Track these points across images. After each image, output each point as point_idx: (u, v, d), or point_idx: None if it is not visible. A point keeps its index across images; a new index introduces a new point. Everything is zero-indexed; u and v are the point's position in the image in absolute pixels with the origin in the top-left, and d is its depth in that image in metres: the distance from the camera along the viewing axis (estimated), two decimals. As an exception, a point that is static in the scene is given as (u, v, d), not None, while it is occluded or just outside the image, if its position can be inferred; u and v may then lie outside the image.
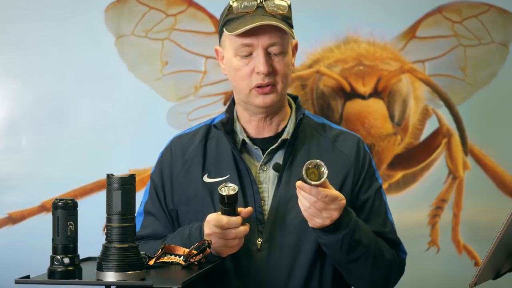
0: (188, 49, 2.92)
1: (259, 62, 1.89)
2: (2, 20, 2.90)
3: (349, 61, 2.93)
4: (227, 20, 1.93)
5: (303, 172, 1.73)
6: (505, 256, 1.79)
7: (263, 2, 1.90)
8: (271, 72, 1.90)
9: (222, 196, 1.78)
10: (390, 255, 1.96)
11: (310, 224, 1.82)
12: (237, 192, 1.79)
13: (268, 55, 1.91)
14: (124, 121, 2.90)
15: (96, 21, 2.90)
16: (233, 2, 1.93)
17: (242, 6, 1.90)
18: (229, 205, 1.79)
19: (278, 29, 1.89)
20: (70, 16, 2.90)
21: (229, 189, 1.79)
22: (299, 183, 1.77)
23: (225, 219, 1.79)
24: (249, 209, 1.84)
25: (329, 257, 1.91)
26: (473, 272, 1.73)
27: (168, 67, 2.92)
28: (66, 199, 1.57)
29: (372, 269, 1.91)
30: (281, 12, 1.91)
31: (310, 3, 2.90)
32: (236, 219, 1.79)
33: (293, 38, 1.93)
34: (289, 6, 1.94)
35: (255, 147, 1.98)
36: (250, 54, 1.91)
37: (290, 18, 1.95)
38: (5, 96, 2.91)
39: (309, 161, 1.73)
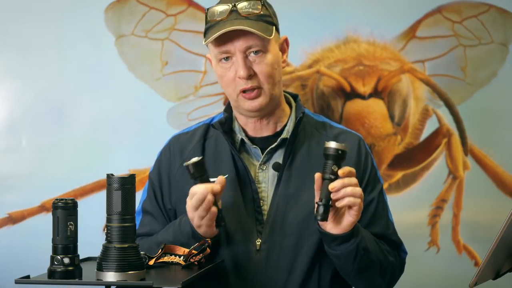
0: (188, 49, 2.92)
1: (238, 66, 1.88)
2: (2, 20, 2.90)
3: (349, 61, 2.93)
4: (206, 29, 1.93)
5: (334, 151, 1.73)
6: (505, 256, 1.79)
7: (236, 6, 1.88)
8: (252, 74, 1.89)
9: (186, 169, 1.79)
10: (393, 257, 1.96)
11: (353, 219, 1.77)
12: (200, 161, 1.79)
13: (247, 58, 1.89)
14: (124, 121, 2.90)
15: (96, 21, 2.90)
16: (207, 10, 1.91)
17: (217, 13, 1.89)
18: (196, 176, 1.79)
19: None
20: (70, 16, 2.90)
21: (193, 160, 1.80)
22: (346, 169, 1.74)
23: (191, 188, 1.79)
24: (221, 177, 1.83)
25: (331, 260, 1.90)
26: (473, 272, 1.73)
27: (168, 67, 2.92)
28: (66, 199, 1.57)
29: (380, 275, 1.91)
30: (256, 12, 1.88)
31: (310, 3, 2.89)
32: (198, 185, 1.78)
33: (268, 37, 1.88)
34: (263, 4, 1.90)
35: (254, 146, 1.98)
36: (231, 58, 1.90)
37: (269, 16, 1.91)
38: (5, 96, 2.91)
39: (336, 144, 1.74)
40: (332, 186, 1.73)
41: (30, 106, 2.90)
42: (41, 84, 2.90)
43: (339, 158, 1.74)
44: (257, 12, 1.88)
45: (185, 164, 1.80)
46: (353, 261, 1.84)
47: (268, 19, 1.91)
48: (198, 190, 1.78)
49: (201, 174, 1.80)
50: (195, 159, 1.79)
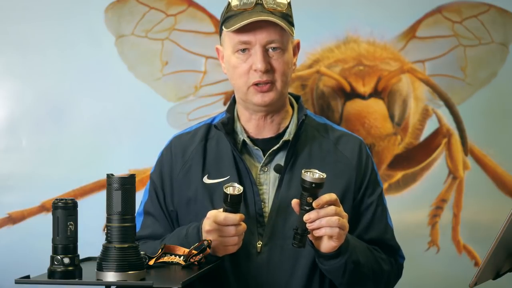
0: (188, 49, 2.92)
1: (256, 59, 1.89)
2: (2, 20, 2.90)
3: (349, 61, 2.93)
4: (226, 17, 1.92)
5: (313, 176, 1.72)
6: (505, 256, 1.79)
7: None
8: (269, 69, 1.89)
9: (226, 195, 1.78)
10: (388, 266, 1.96)
11: (335, 244, 1.78)
12: (241, 194, 1.78)
13: (266, 52, 1.90)
14: (124, 121, 2.90)
15: (96, 21, 2.90)
16: None
17: (241, 3, 1.90)
18: (231, 205, 1.78)
19: (276, 26, 1.88)
20: (70, 16, 2.90)
21: (235, 189, 1.78)
22: (322, 199, 1.74)
23: (223, 215, 1.77)
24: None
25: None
26: (473, 272, 1.73)
27: (168, 67, 2.92)
28: (66, 199, 1.57)
29: (374, 285, 1.92)
30: (280, 9, 1.90)
31: (310, 3, 2.90)
32: (234, 216, 1.78)
33: (292, 35, 1.93)
34: (289, 4, 1.94)
35: (256, 147, 1.97)
36: (248, 50, 1.91)
37: (291, 16, 1.94)
38: (5, 96, 2.91)
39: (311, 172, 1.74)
40: (307, 217, 1.74)
41: (30, 106, 2.90)
42: (41, 84, 2.90)
43: (314, 189, 1.74)
44: (281, 9, 1.90)
45: (225, 190, 1.78)
46: (342, 275, 1.85)
47: (290, 19, 1.93)
48: (233, 221, 1.77)
49: (237, 206, 1.80)
50: (237, 190, 1.78)
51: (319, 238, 1.79)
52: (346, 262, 1.82)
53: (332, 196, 1.76)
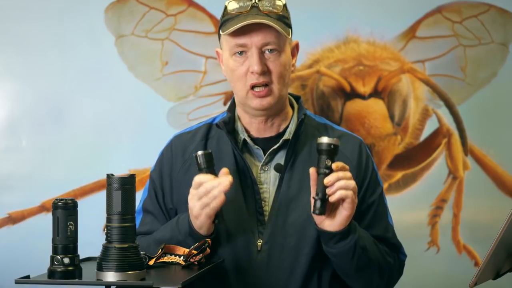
0: (188, 49, 2.92)
1: (253, 61, 1.89)
2: (2, 20, 2.90)
3: (349, 61, 2.93)
4: (223, 21, 1.94)
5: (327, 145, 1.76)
6: (505, 256, 1.79)
7: (258, 2, 1.90)
8: (266, 71, 1.90)
9: (195, 158, 1.81)
10: (391, 258, 1.97)
11: (347, 212, 1.78)
12: (209, 154, 1.81)
13: (262, 54, 1.90)
14: (124, 121, 2.90)
15: (96, 21, 2.90)
16: (228, 3, 1.93)
17: (237, 6, 1.91)
18: (204, 165, 1.80)
19: (272, 28, 1.89)
20: (70, 16, 2.90)
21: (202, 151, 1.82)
22: (339, 163, 1.76)
23: (196, 178, 1.80)
24: (225, 169, 1.83)
25: (330, 261, 1.90)
26: (473, 272, 1.73)
27: (168, 67, 2.92)
28: (66, 199, 1.57)
29: (379, 275, 1.92)
30: (276, 11, 1.91)
31: (310, 3, 2.90)
32: (205, 175, 1.79)
33: (287, 36, 1.93)
34: (285, 6, 1.94)
35: (256, 147, 1.98)
36: (245, 53, 1.91)
37: (287, 18, 1.95)
38: (5, 96, 2.91)
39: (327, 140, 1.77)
40: (327, 180, 1.75)
41: (30, 106, 2.90)
42: (41, 84, 2.90)
43: (332, 152, 1.77)
44: (277, 11, 1.91)
45: (194, 154, 1.82)
46: (351, 259, 1.84)
47: (286, 21, 1.94)
48: (207, 179, 1.79)
49: (209, 165, 1.81)
50: (205, 151, 1.82)
51: (332, 214, 1.79)
52: (356, 244, 1.82)
53: (346, 164, 1.79)
